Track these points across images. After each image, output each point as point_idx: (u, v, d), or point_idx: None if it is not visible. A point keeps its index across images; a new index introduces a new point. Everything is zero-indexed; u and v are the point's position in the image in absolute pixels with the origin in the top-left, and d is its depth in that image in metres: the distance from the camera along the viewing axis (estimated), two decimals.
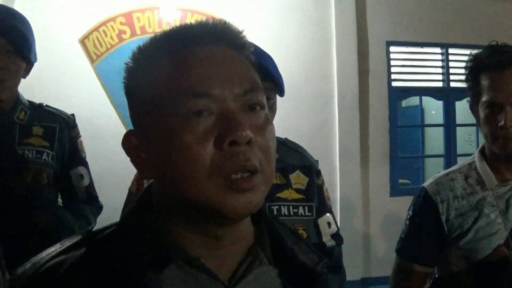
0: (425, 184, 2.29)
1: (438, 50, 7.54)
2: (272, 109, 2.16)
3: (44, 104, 2.83)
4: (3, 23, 2.45)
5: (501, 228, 2.07)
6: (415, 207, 2.29)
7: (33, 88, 5.06)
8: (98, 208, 2.94)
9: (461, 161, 2.35)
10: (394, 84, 7.34)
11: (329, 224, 2.34)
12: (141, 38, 6.16)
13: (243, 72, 1.00)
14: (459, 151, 7.59)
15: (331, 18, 6.98)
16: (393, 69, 7.35)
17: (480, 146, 2.28)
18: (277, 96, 2.24)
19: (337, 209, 6.74)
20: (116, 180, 5.76)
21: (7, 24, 2.46)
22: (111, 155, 5.93)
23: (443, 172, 2.32)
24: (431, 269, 2.29)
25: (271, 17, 6.79)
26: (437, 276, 2.35)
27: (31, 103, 2.75)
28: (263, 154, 0.96)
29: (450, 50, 7.48)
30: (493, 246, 2.05)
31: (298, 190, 2.28)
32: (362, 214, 7.08)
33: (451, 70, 7.47)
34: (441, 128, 7.75)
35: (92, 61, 6.32)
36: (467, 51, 2.46)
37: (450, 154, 7.53)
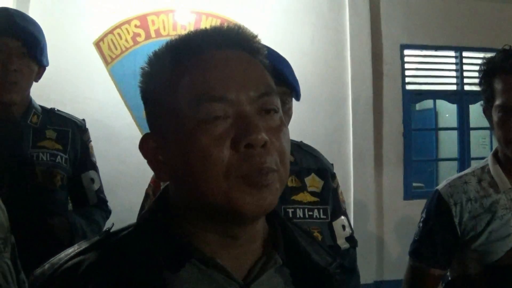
0: (439, 186, 2.30)
1: (452, 53, 7.50)
2: (288, 113, 2.17)
3: (55, 109, 2.86)
4: (17, 26, 2.47)
5: None
6: (429, 209, 2.29)
7: (48, 90, 5.12)
8: (108, 212, 2.98)
9: (475, 165, 2.35)
10: (408, 87, 7.30)
11: (343, 227, 2.34)
12: (156, 41, 6.23)
13: (258, 76, 1.02)
14: (473, 155, 7.53)
15: (345, 21, 6.96)
16: (407, 72, 7.31)
17: (493, 149, 2.28)
18: (293, 100, 2.24)
19: (351, 212, 6.72)
20: (131, 182, 5.80)
21: (21, 27, 2.48)
22: (126, 157, 5.97)
23: (456, 175, 2.32)
24: (444, 271, 2.29)
25: (285, 20, 6.79)
26: (450, 278, 2.35)
27: (43, 108, 2.78)
28: (278, 156, 0.98)
29: (464, 54, 7.43)
30: (506, 249, 2.05)
31: (313, 193, 2.28)
32: (376, 217, 7.05)
33: (465, 74, 7.42)
34: (455, 132, 7.68)
35: (107, 63, 6.34)
36: (481, 55, 2.46)
37: (464, 157, 7.48)
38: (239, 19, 6.15)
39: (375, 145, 7.02)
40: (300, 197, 2.24)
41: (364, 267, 5.85)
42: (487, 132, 7.70)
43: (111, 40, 6.36)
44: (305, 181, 2.28)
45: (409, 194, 7.25)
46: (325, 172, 2.36)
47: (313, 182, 2.30)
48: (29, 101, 2.69)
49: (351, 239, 2.37)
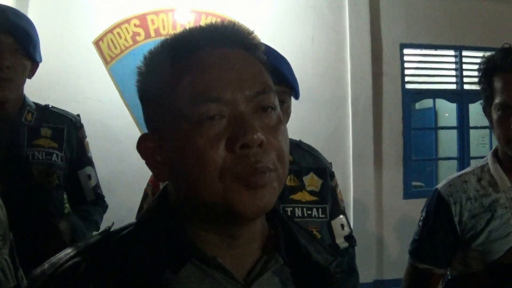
0: (438, 186, 2.29)
1: (451, 52, 7.51)
2: (287, 112, 2.16)
3: (50, 106, 2.83)
4: (10, 23, 2.45)
5: None
6: (428, 208, 2.29)
7: (47, 90, 5.11)
8: (105, 207, 2.98)
9: (474, 163, 2.35)
10: (407, 86, 7.32)
11: (342, 226, 2.34)
12: (155, 40, 6.18)
13: (255, 74, 1.01)
14: (472, 154, 7.55)
15: (345, 21, 6.97)
16: (406, 72, 7.33)
17: (493, 148, 2.28)
18: (292, 99, 2.24)
19: (350, 212, 6.74)
20: (130, 181, 5.80)
21: (13, 23, 2.45)
22: (125, 156, 5.97)
23: (456, 174, 2.32)
24: (444, 270, 2.29)
25: (285, 20, 6.80)
26: (450, 277, 2.35)
27: (37, 105, 2.75)
28: (276, 155, 0.97)
29: (464, 53, 7.45)
30: (507, 248, 2.05)
31: (312, 192, 2.28)
32: (376, 216, 7.06)
33: (464, 73, 7.44)
34: (455, 131, 7.71)
35: (106, 63, 6.34)
36: (481, 54, 2.45)
37: (463, 156, 7.50)
38: (239, 18, 6.13)
39: (374, 144, 7.03)
40: (298, 196, 2.24)
41: (364, 266, 5.87)
42: (487, 131, 7.72)
43: (111, 39, 6.37)
44: (303, 180, 2.28)
45: (409, 193, 7.26)
46: (324, 171, 2.36)
47: (312, 181, 2.30)
48: (23, 98, 2.66)
49: (350, 238, 2.37)
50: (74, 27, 6.22)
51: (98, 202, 2.93)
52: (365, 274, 6.49)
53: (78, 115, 2.93)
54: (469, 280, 2.19)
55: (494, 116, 2.09)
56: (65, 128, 2.78)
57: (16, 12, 2.57)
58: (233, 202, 0.94)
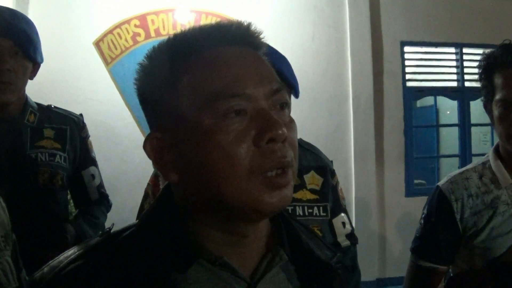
0: (440, 183, 2.29)
1: (452, 49, 7.52)
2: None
3: (52, 106, 2.82)
4: (9, 25, 2.42)
5: None
6: (430, 206, 2.28)
7: (49, 91, 5.11)
8: (109, 206, 2.98)
9: (476, 160, 2.34)
10: (408, 84, 7.32)
11: (343, 224, 2.33)
12: (156, 40, 6.17)
13: (270, 72, 1.02)
14: (474, 151, 7.56)
15: (345, 19, 6.98)
16: (407, 69, 7.34)
17: (494, 145, 2.27)
18: (292, 98, 2.24)
19: (352, 210, 6.75)
20: (132, 181, 5.80)
21: (12, 26, 2.43)
22: (127, 157, 5.97)
23: (457, 171, 2.31)
24: (446, 268, 2.28)
25: (285, 18, 6.80)
26: (452, 275, 2.35)
27: (39, 105, 2.73)
28: (292, 151, 0.98)
29: (465, 50, 7.45)
30: (508, 245, 2.04)
31: (312, 191, 2.27)
32: (378, 214, 7.06)
33: (465, 70, 7.44)
34: (456, 128, 7.71)
35: (107, 63, 6.35)
36: (482, 51, 2.45)
37: (465, 154, 7.50)
38: (239, 17, 6.04)
39: (376, 142, 7.04)
40: (299, 194, 2.23)
41: (366, 264, 5.87)
42: (488, 128, 7.72)
43: (111, 40, 6.37)
44: (304, 178, 2.27)
45: (411, 191, 7.27)
46: (325, 169, 2.35)
47: (313, 179, 2.29)
48: (25, 99, 2.64)
49: (351, 236, 2.36)
50: (74, 28, 6.23)
51: (103, 201, 2.93)
52: (368, 272, 6.48)
53: (81, 114, 2.91)
54: (471, 277, 2.18)
55: (495, 112, 2.09)
56: (68, 129, 2.76)
57: (14, 14, 2.55)
58: (258, 201, 0.93)
